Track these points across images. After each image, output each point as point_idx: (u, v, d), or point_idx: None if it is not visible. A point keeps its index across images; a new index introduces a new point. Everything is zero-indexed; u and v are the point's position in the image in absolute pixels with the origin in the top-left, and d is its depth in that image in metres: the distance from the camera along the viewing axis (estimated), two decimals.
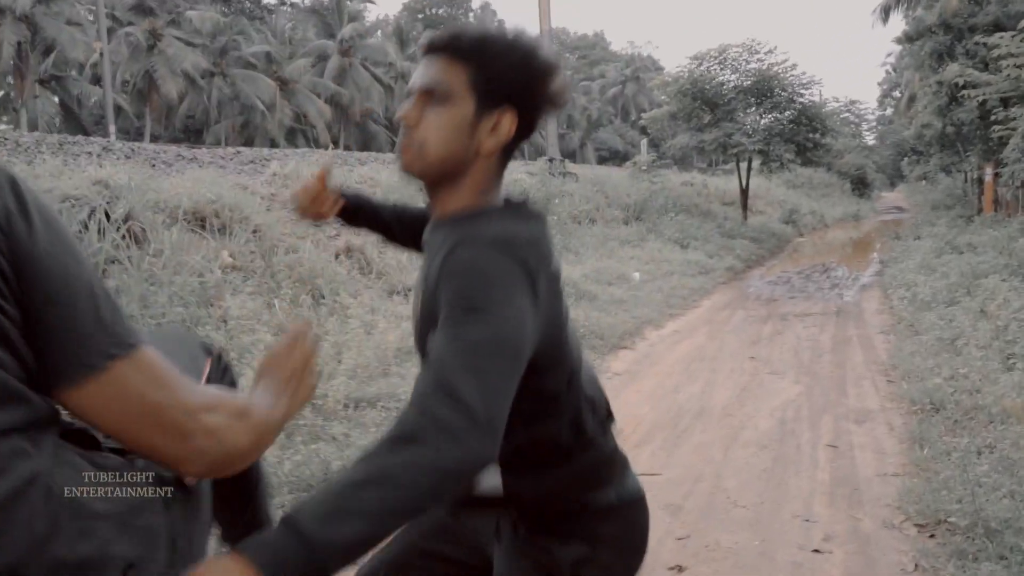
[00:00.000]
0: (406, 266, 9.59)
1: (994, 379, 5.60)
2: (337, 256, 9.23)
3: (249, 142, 39.93)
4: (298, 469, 4.31)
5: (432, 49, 1.34)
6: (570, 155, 54.86)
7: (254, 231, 8.48)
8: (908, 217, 29.54)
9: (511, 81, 1.32)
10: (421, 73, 1.34)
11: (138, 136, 36.97)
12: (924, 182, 43.44)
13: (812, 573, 3.43)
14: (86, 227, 6.65)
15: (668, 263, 13.98)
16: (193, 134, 42.42)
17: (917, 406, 5.63)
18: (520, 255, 1.24)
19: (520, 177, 15.62)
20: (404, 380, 6.07)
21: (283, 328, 6.73)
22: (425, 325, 1.32)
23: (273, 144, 37.85)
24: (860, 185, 41.33)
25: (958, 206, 26.53)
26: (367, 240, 9.76)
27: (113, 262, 6.57)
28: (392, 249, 10.00)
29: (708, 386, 6.76)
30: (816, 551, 3.62)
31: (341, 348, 6.59)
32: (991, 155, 22.01)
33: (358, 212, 1.87)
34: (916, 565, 3.42)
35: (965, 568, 3.29)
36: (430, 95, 1.31)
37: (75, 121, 38.48)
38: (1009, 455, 4.30)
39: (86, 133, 30.50)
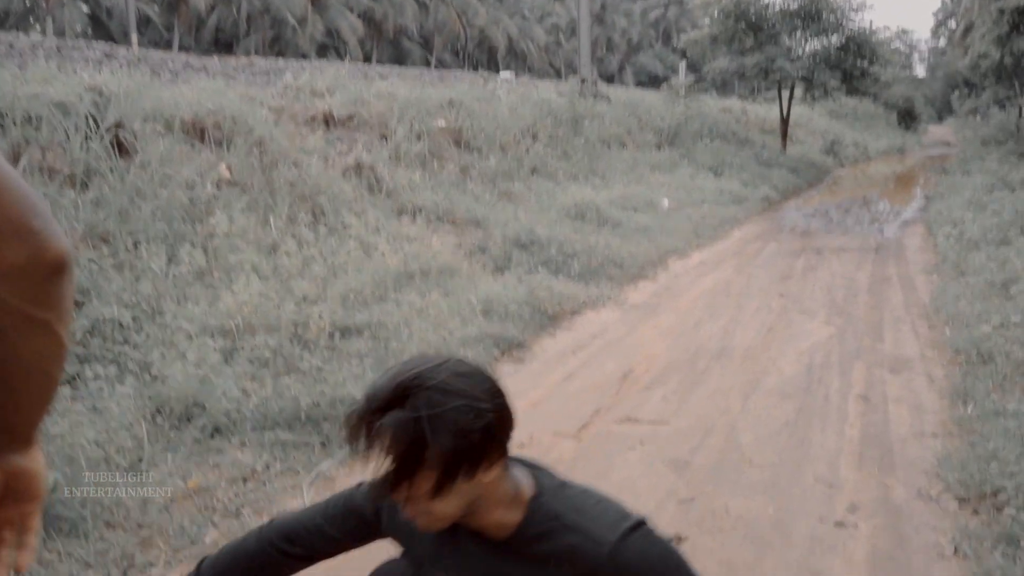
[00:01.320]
0: (418, 184, 9.06)
1: None
2: (345, 173, 8.70)
3: (280, 56, 39.17)
4: (265, 405, 3.89)
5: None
6: (608, 78, 53.45)
7: (257, 144, 7.96)
8: (956, 152, 28.31)
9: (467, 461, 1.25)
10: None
11: (167, 48, 36.33)
12: (975, 116, 41.73)
13: (832, 552, 2.95)
14: (68, 136, 6.17)
15: (700, 191, 13.32)
16: (223, 47, 41.64)
17: (962, 356, 5.07)
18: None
19: (549, 97, 14.89)
20: (399, 307, 5.61)
21: (276, 247, 6.28)
22: None
23: (303, 59, 37.05)
24: (907, 117, 39.73)
25: (1010, 141, 25.26)
26: (379, 157, 9.24)
27: (96, 174, 6.11)
28: (405, 168, 9.54)
29: (732, 324, 6.24)
30: (839, 524, 3.14)
31: (336, 270, 6.13)
32: None
33: None
34: (956, 548, 2.92)
35: (1015, 558, 2.79)
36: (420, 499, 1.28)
37: (104, 30, 37.86)
38: None
39: (115, 43, 29.94)
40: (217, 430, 3.74)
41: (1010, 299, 5.99)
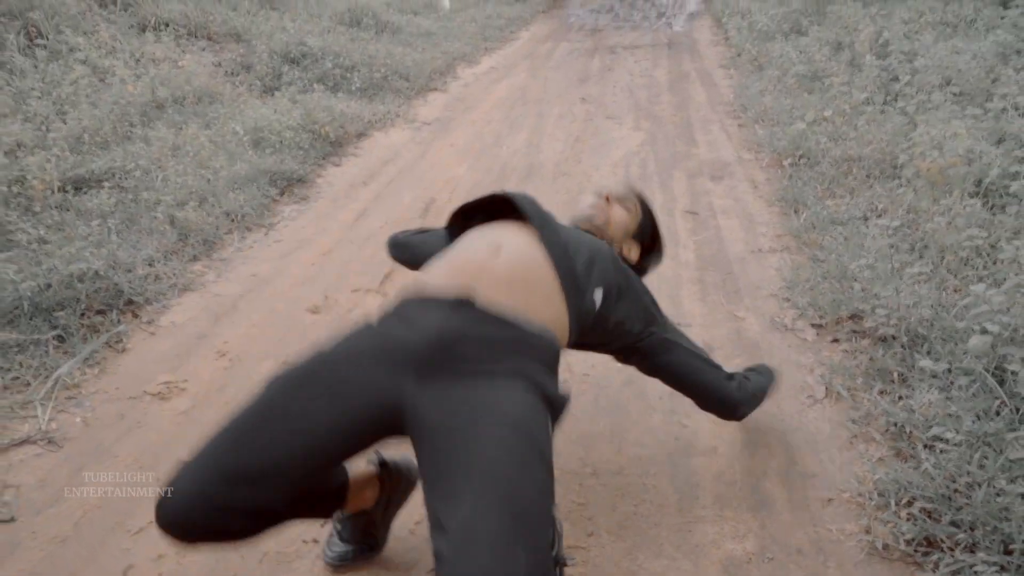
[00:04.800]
0: None
1: (868, 121, 4.76)
2: None
3: None
4: None
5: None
6: None
7: None
8: None
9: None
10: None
11: None
12: None
13: (696, 410, 2.55)
14: None
15: None
16: None
17: (779, 156, 4.78)
18: None
19: None
20: (148, 146, 4.61)
21: None
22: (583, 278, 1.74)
23: None
24: None
25: None
26: None
27: None
28: None
29: (535, 136, 5.67)
30: None
31: (63, 106, 4.96)
32: None
33: None
34: (827, 389, 2.60)
35: (894, 395, 2.48)
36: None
37: None
38: (910, 225, 3.50)
39: None
40: None
41: (816, 92, 5.75)
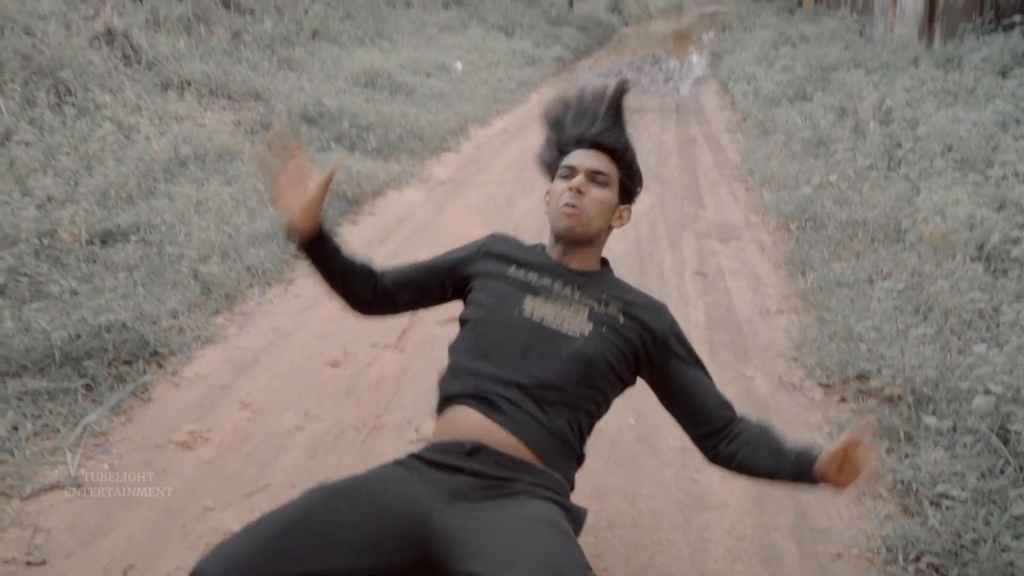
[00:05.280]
0: (184, 53, 7.86)
1: (873, 186, 4.89)
2: (93, 41, 7.38)
3: None
4: (5, 345, 3.05)
5: (599, 147, 1.85)
6: None
7: None
8: (729, 9, 28.94)
9: (637, 188, 1.93)
10: (589, 159, 1.83)
11: None
12: None
13: (707, 466, 2.61)
14: None
15: (492, 52, 12.65)
16: None
17: (787, 220, 4.90)
18: None
19: None
20: (172, 202, 4.74)
21: (8, 136, 5.14)
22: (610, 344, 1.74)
23: None
24: None
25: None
26: (133, 21, 7.91)
27: None
28: (167, 34, 8.27)
29: None
30: None
31: (90, 161, 5.11)
32: None
33: (324, 242, 1.85)
34: None
35: (900, 452, 2.55)
36: (595, 177, 1.81)
37: None
38: (915, 288, 3.59)
39: None
40: None
41: (821, 157, 5.89)
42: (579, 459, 1.77)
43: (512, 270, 1.83)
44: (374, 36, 11.72)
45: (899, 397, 2.79)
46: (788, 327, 3.57)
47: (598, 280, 1.82)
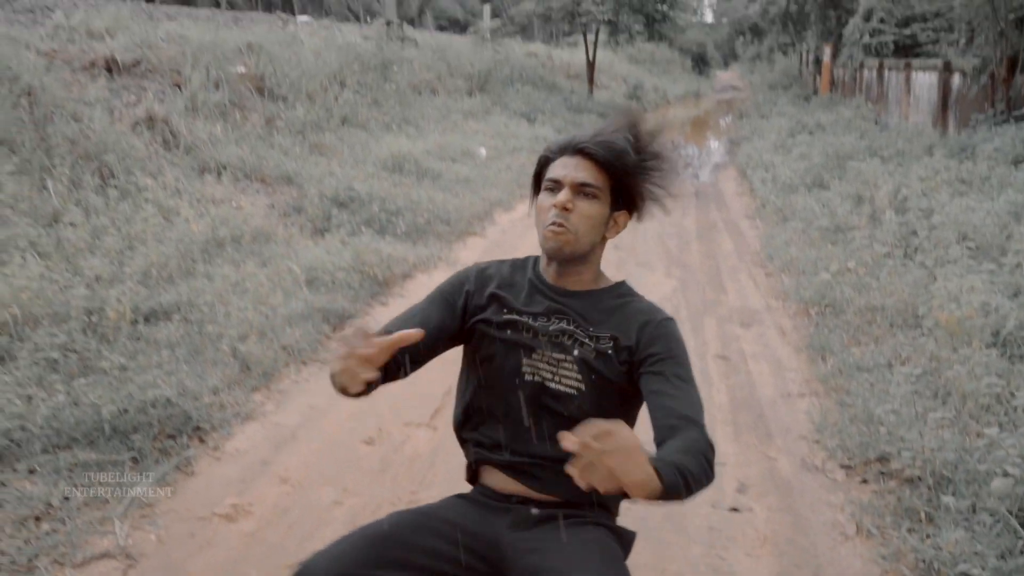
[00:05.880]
0: (220, 139, 8.19)
1: (890, 274, 5.02)
2: (135, 127, 7.71)
3: None
4: (57, 418, 3.20)
5: (584, 154, 1.68)
6: (408, 21, 52.26)
7: (26, 94, 6.85)
8: (746, 96, 29.57)
9: (634, 193, 1.71)
10: (575, 169, 1.68)
11: None
12: (759, 61, 43.93)
13: (732, 543, 2.70)
14: None
15: (515, 138, 13.02)
16: None
17: (807, 305, 5.02)
18: None
19: (354, 41, 14.08)
20: (211, 282, 4.92)
21: (57, 217, 5.38)
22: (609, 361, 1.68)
23: None
24: (700, 63, 41.29)
25: (795, 86, 26.65)
26: (173, 108, 8.25)
27: None
28: (204, 120, 8.62)
29: None
30: (733, 509, 2.90)
31: (133, 242, 5.33)
32: (829, 35, 22.03)
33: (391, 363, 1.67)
34: (857, 527, 2.74)
35: (922, 533, 2.63)
36: (582, 189, 1.67)
37: None
38: (932, 373, 3.69)
39: None
40: None
41: (839, 244, 6.04)
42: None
43: (505, 317, 1.73)
44: (401, 122, 12.10)
45: (919, 478, 2.87)
46: (809, 410, 3.67)
47: (595, 302, 1.72)
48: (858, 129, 11.85)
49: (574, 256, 1.69)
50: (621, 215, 1.71)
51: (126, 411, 3.31)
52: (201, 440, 3.38)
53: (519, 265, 1.84)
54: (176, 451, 3.24)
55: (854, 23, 17.31)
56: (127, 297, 4.35)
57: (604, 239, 1.73)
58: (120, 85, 8.60)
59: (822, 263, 5.56)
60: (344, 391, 1.53)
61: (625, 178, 1.68)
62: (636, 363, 1.64)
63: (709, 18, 55.49)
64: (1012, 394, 3.29)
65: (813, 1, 21.62)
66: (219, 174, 7.41)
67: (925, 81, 12.03)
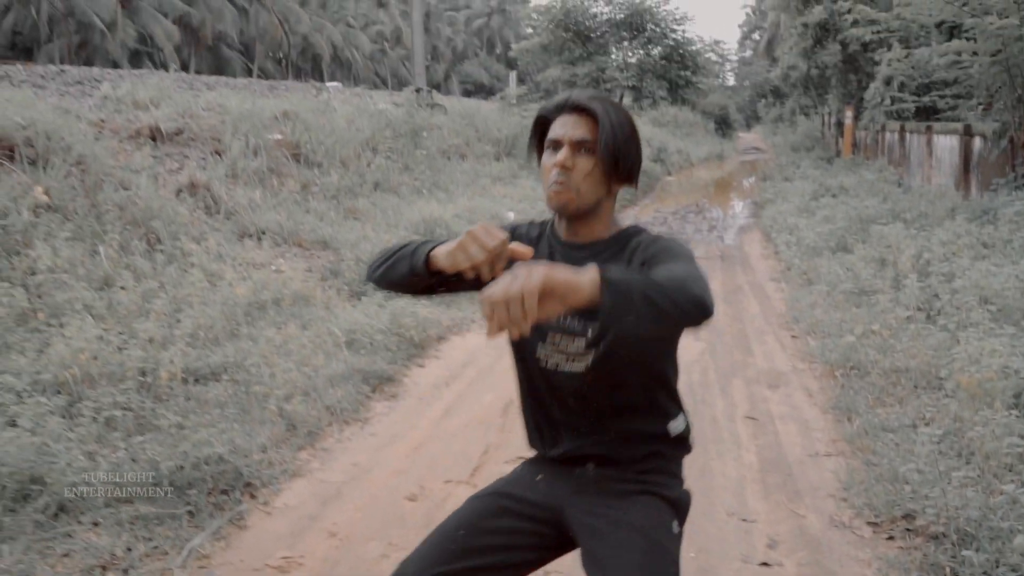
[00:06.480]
0: (259, 205, 8.50)
1: (913, 336, 5.14)
2: (178, 193, 8.04)
3: (88, 64, 36.61)
4: (118, 473, 3.39)
5: (580, 110, 1.75)
6: (435, 87, 53.42)
7: (77, 163, 7.20)
8: (768, 158, 29.89)
9: (624, 166, 1.77)
10: (572, 127, 1.74)
11: None
12: (781, 123, 44.40)
13: None
14: None
15: (542, 201, 13.24)
16: (22, 53, 38.50)
17: (832, 367, 5.14)
18: None
19: (385, 108, 14.51)
20: (256, 344, 5.14)
21: (109, 282, 5.64)
22: None
23: (115, 67, 34.85)
24: (723, 125, 41.78)
25: (817, 148, 26.94)
26: (214, 174, 8.59)
27: None
28: (244, 186, 8.94)
29: None
30: (764, 564, 3.01)
31: (180, 305, 5.57)
32: (850, 98, 22.34)
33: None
34: None
35: None
36: (581, 146, 1.73)
37: None
38: (955, 433, 3.80)
39: None
40: (63, 509, 3.21)
41: (863, 307, 6.17)
42: (678, 439, 1.82)
43: None
44: (431, 187, 12.42)
45: (943, 535, 2.98)
46: (837, 469, 3.78)
47: (601, 250, 1.75)
48: (881, 192, 12.02)
49: (579, 212, 1.74)
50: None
51: (182, 467, 3.49)
52: (252, 496, 3.55)
53: (540, 225, 1.89)
54: (229, 506, 3.41)
55: (875, 87, 17.58)
56: (178, 358, 4.57)
57: (612, 193, 1.77)
58: (164, 153, 8.97)
59: (847, 325, 5.69)
60: (438, 271, 1.63)
61: (617, 133, 1.71)
62: None
63: (731, 81, 56.24)
64: None
65: (834, 66, 21.95)
66: (259, 239, 7.69)
67: (946, 144, 12.22)
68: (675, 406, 1.83)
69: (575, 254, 1.75)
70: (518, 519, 1.78)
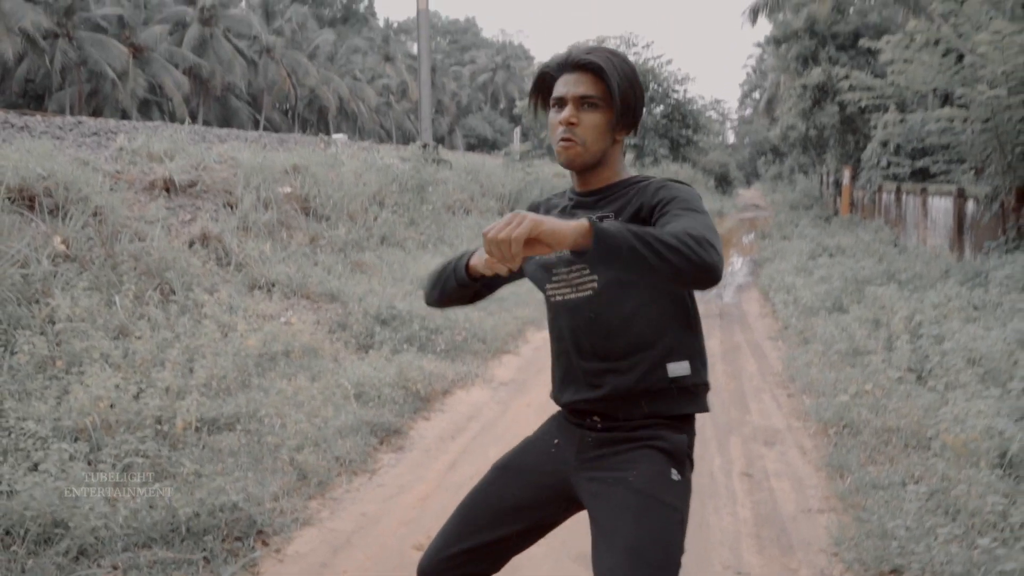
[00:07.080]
0: (269, 257, 8.71)
1: (904, 397, 5.31)
2: (191, 245, 8.25)
3: (98, 112, 37.28)
4: (136, 518, 3.53)
5: (582, 67, 1.86)
6: (439, 140, 54.11)
7: (94, 214, 7.42)
8: (768, 215, 30.27)
9: (630, 111, 1.91)
10: (575, 84, 1.87)
11: None
12: (780, 181, 44.98)
13: None
14: None
15: None
16: (33, 100, 39.22)
17: (826, 426, 5.30)
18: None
19: (392, 163, 14.83)
20: (267, 395, 5.30)
21: (125, 331, 5.82)
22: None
23: (124, 116, 35.48)
24: (723, 182, 42.31)
25: (815, 206, 27.34)
26: (226, 226, 8.81)
27: None
28: (254, 238, 9.17)
29: None
30: None
31: (193, 355, 5.74)
32: (848, 158, 22.75)
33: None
34: None
35: None
36: (585, 101, 1.85)
37: None
38: (942, 491, 3.95)
39: None
40: (83, 552, 3.35)
41: (857, 366, 6.34)
42: (681, 388, 1.92)
43: None
44: (436, 241, 12.66)
45: None
46: (828, 525, 3.92)
47: (607, 193, 1.92)
48: (876, 252, 12.26)
49: (587, 165, 1.90)
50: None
51: (198, 514, 3.63)
52: (264, 543, 3.69)
53: (558, 196, 2.11)
54: (243, 552, 3.55)
55: (872, 149, 17.96)
56: (194, 407, 4.72)
57: (617, 141, 1.93)
58: (177, 204, 9.20)
59: (841, 385, 5.85)
60: (480, 276, 1.96)
61: (621, 82, 1.85)
62: (647, 221, 1.79)
63: (731, 139, 57.04)
64: (1008, 511, 3.55)
65: (832, 127, 22.40)
66: (269, 291, 7.88)
67: (941, 206, 12.50)
68: (684, 351, 1.95)
69: (586, 200, 1.95)
70: (528, 488, 2.01)
